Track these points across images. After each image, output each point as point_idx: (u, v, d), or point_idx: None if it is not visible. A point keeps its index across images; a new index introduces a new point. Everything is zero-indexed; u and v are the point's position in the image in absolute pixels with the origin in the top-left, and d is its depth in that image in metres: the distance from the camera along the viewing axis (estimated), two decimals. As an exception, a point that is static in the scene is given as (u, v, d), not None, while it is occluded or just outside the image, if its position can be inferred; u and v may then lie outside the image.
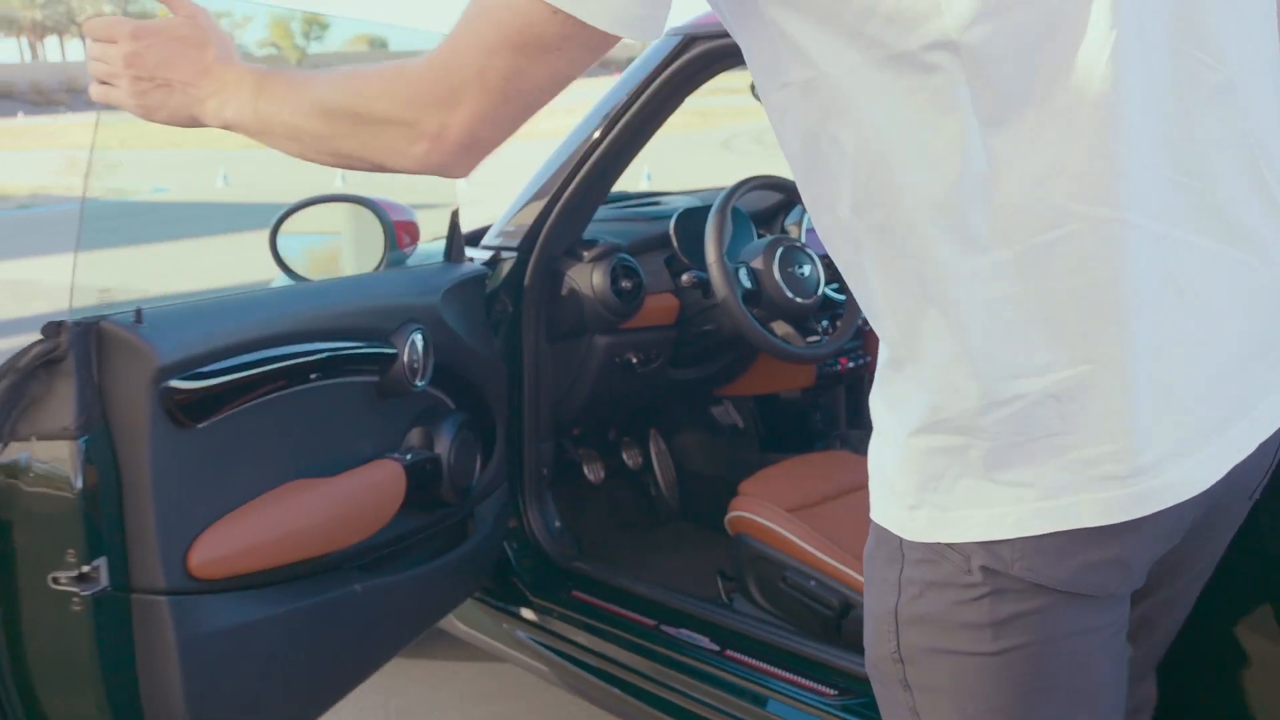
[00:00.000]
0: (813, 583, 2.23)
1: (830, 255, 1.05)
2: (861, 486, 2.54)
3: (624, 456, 3.10)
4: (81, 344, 1.49)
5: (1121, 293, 0.90)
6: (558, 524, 2.70)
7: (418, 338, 1.98)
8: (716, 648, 2.19)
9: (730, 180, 2.59)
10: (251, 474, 1.72)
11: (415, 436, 2.06)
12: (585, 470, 3.00)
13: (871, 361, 2.95)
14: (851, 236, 0.98)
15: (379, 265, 2.17)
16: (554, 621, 2.48)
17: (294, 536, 1.74)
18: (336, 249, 2.23)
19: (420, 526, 2.14)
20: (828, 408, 3.10)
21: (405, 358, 1.94)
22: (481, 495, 2.33)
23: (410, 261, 2.27)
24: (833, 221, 0.99)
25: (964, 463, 0.97)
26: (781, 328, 2.51)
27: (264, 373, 1.69)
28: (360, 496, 1.89)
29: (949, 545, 1.00)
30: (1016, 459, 0.95)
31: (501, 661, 2.67)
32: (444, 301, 2.12)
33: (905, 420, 1.01)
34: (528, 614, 2.55)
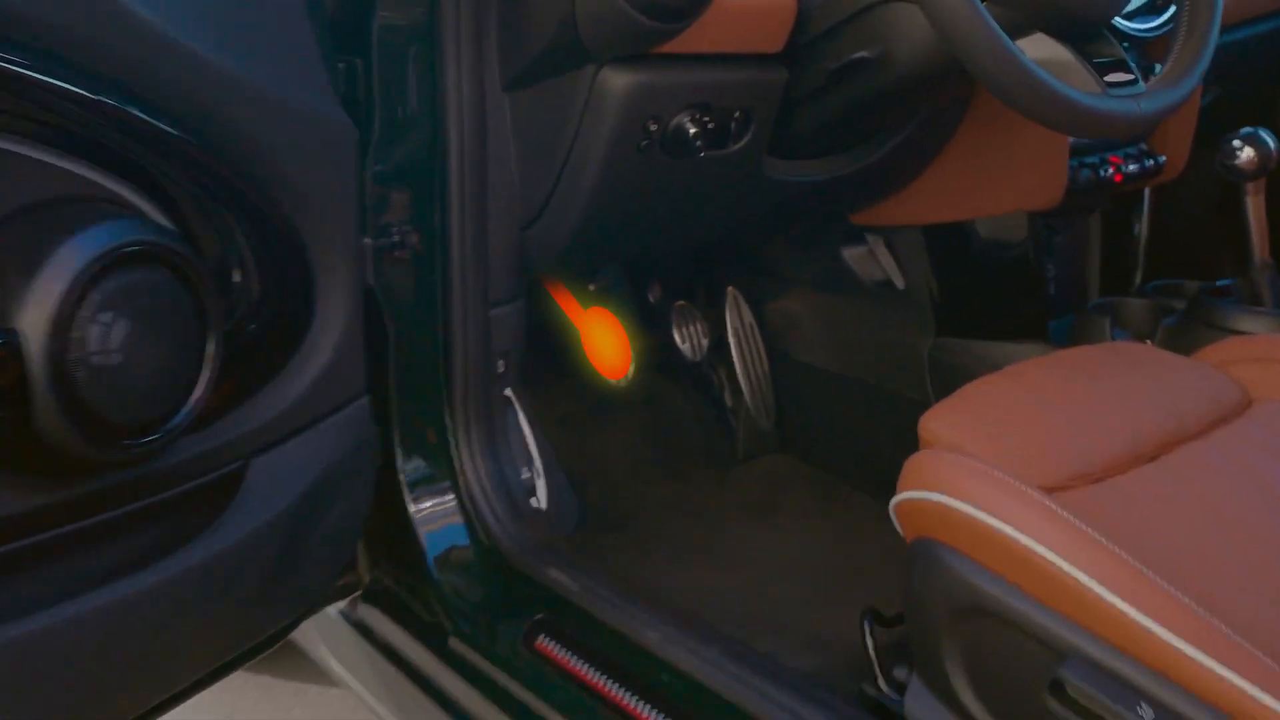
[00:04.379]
0: (1148, 713, 0.81)
1: None
2: (1215, 424, 1.07)
3: (675, 336, 1.69)
4: None
5: None
6: (527, 475, 1.34)
7: None
8: None
9: None
10: None
11: None
12: (599, 361, 1.60)
13: (1168, 163, 1.48)
14: None
15: None
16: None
17: None
18: None
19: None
20: (1070, 252, 1.63)
21: None
22: (260, 435, 0.97)
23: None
24: None
25: None
26: (1046, 51, 1.05)
27: None
28: None
29: None
30: None
31: None
32: None
33: None
34: (443, 674, 1.21)
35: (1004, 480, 0.94)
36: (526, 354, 1.35)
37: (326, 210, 1.02)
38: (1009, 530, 0.91)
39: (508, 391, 1.41)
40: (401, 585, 1.32)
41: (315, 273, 1.04)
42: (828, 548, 1.49)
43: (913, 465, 1.03)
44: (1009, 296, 1.54)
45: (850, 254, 1.62)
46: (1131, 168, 1.47)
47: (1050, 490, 0.97)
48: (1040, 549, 0.89)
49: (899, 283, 1.59)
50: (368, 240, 1.17)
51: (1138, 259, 1.65)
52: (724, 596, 1.39)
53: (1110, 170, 1.46)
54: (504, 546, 1.26)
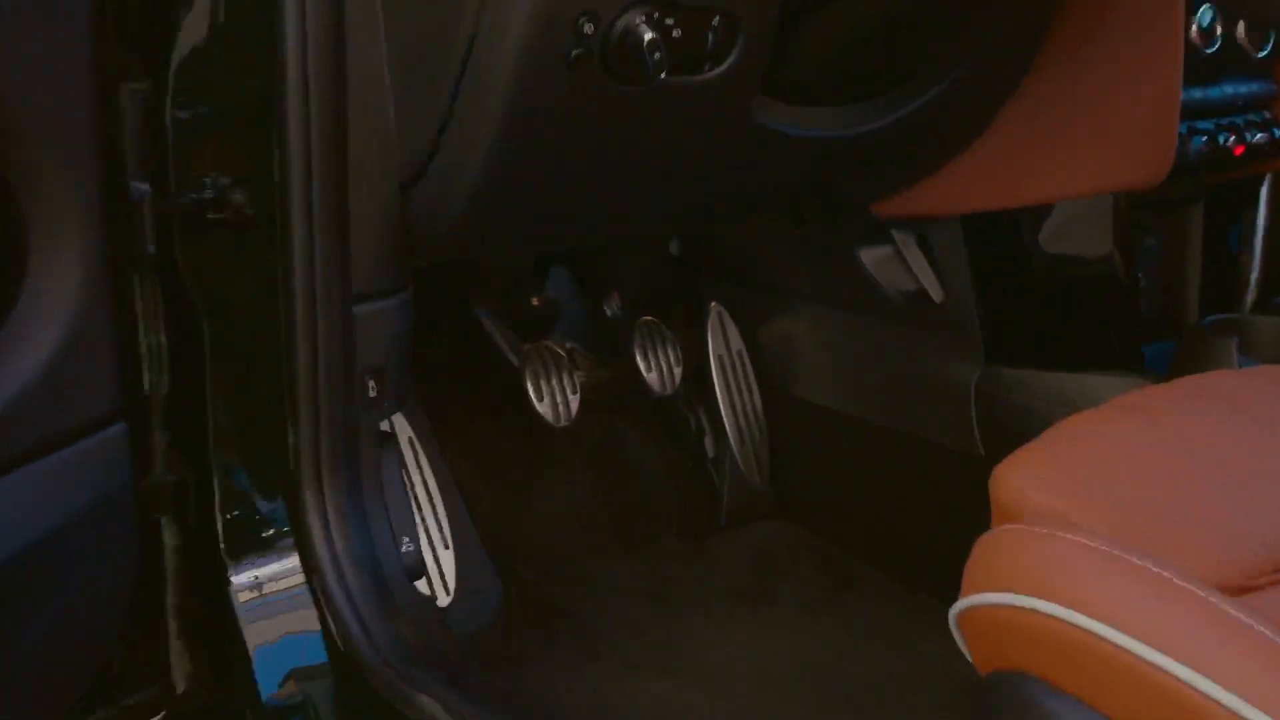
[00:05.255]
0: None
1: None
2: None
3: (639, 361, 1.29)
4: None
5: None
6: (410, 547, 0.93)
7: None
8: None
9: None
10: None
11: None
12: (531, 392, 1.19)
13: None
14: None
15: None
16: None
17: None
18: None
19: None
20: (1167, 255, 1.23)
21: None
22: None
23: None
24: None
25: None
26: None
27: None
28: None
29: None
30: None
31: None
32: None
33: None
34: None
35: (1168, 581, 0.54)
36: (410, 371, 0.95)
37: (36, 125, 0.63)
38: (1193, 677, 0.50)
39: (390, 425, 1.02)
40: (220, 708, 0.91)
41: (28, 231, 0.64)
42: (839, 654, 1.08)
43: (991, 549, 0.63)
44: (1088, 312, 1.14)
45: (871, 257, 1.23)
46: (1257, 138, 1.09)
47: (1235, 592, 0.57)
48: (1253, 713, 0.48)
49: (936, 294, 1.19)
50: (144, 186, 0.77)
51: (1251, 266, 1.25)
52: (693, 724, 0.99)
53: (1230, 139, 1.07)
54: (365, 657, 0.85)
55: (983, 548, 0.64)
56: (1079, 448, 0.72)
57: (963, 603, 0.63)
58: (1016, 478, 0.69)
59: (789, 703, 1.03)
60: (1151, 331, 1.19)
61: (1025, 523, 0.65)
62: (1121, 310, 1.12)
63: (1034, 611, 0.57)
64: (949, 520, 1.18)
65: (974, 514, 1.15)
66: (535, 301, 1.35)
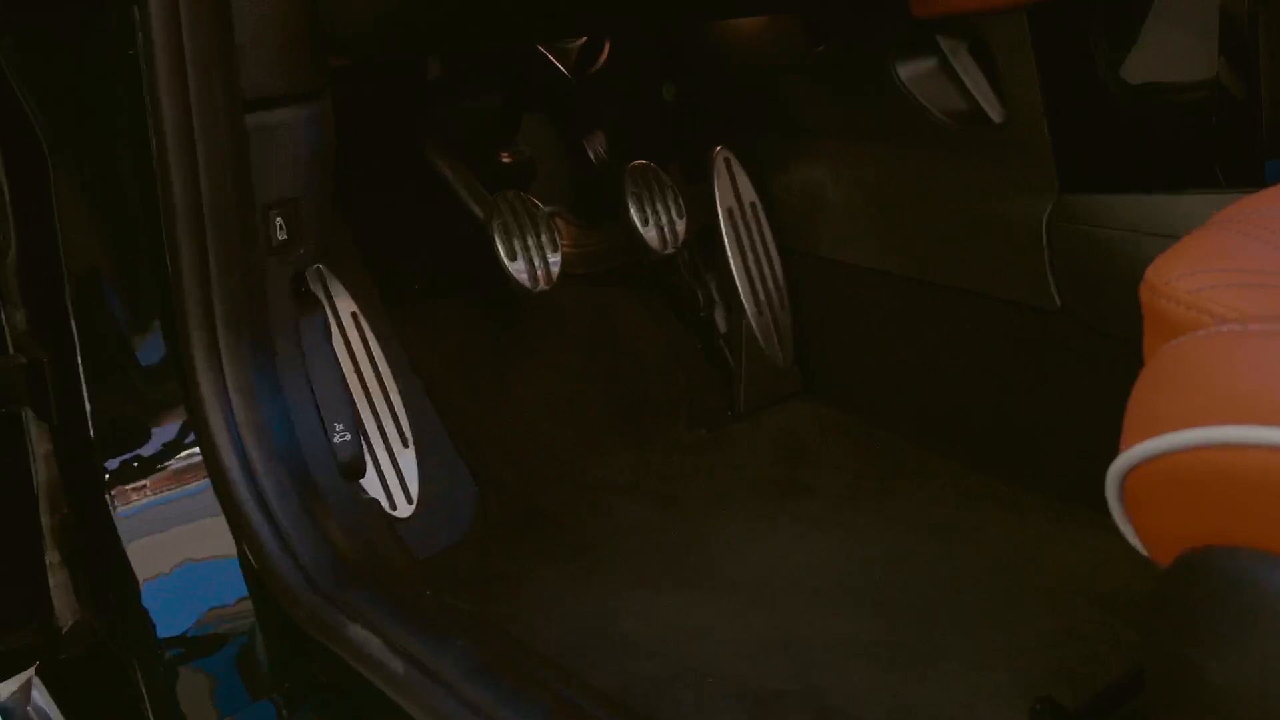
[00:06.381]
0: None
1: None
2: None
3: (633, 215, 1.06)
4: None
5: None
6: (345, 435, 0.71)
7: None
8: None
9: None
10: None
11: None
12: (501, 250, 0.96)
13: None
14: None
15: None
16: None
17: None
18: None
19: None
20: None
21: None
22: None
23: None
24: None
25: None
26: None
27: None
28: None
29: None
30: None
31: None
32: None
33: None
34: None
35: None
36: (335, 213, 0.73)
37: None
38: None
39: (325, 293, 0.80)
40: (108, 652, 0.70)
41: None
42: (895, 554, 0.88)
43: (1183, 368, 0.41)
44: (1191, 120, 0.91)
45: (910, 73, 1.00)
46: None
47: None
48: None
49: (995, 113, 0.96)
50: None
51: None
52: (715, 647, 0.78)
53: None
54: (283, 578, 0.64)
55: (1162, 368, 0.43)
56: (1261, 228, 0.51)
57: (1136, 452, 0.42)
58: (1186, 276, 0.47)
59: (837, 614, 0.82)
60: (1267, 146, 0.97)
61: (1223, 326, 0.43)
62: (1240, 113, 0.90)
63: (1284, 448, 0.35)
64: (1021, 387, 0.97)
65: (1052, 376, 0.94)
66: (506, 157, 1.12)
